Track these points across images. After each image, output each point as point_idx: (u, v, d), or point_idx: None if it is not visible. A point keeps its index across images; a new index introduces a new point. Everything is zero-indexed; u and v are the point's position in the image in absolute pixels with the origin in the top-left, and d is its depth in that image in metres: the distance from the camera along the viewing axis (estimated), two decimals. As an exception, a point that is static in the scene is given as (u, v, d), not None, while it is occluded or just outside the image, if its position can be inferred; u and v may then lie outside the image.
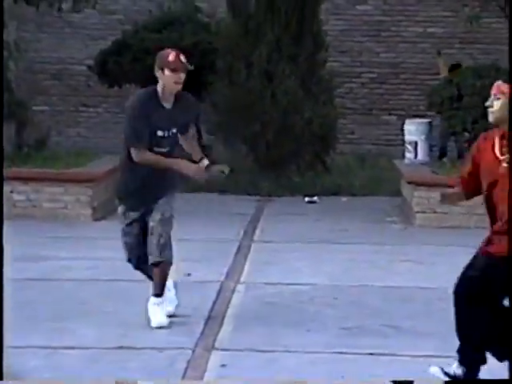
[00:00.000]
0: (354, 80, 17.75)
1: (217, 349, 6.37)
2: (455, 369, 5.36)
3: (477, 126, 13.35)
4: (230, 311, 7.43)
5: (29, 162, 12.64)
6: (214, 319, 7.12)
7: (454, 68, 15.62)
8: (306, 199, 13.59)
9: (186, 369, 5.84)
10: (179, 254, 6.96)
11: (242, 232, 11.04)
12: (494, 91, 5.46)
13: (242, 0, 15.18)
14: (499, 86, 5.45)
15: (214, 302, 7.63)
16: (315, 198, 13.63)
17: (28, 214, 11.60)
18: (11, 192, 11.65)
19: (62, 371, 5.70)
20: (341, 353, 6.24)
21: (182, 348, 6.25)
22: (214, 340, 6.60)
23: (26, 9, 14.23)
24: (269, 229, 11.48)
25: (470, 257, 5.43)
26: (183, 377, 5.72)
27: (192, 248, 9.43)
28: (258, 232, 11.27)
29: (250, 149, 14.72)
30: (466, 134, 13.81)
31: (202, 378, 5.75)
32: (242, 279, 8.59)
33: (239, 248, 10.06)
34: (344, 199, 13.74)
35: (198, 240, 10.10)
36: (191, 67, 6.49)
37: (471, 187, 5.49)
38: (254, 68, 14.81)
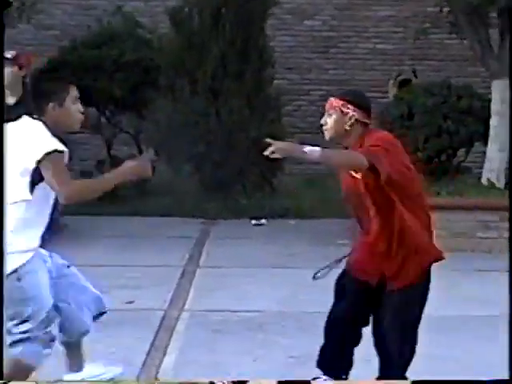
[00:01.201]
0: (302, 97, 17.81)
1: (160, 381, 6.33)
2: None
3: (428, 146, 13.47)
4: (173, 340, 7.41)
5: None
6: (156, 349, 7.10)
7: (404, 84, 15.73)
8: (253, 222, 13.59)
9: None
10: (120, 281, 6.92)
11: (186, 256, 11.00)
12: (326, 108, 5.60)
13: (186, 14, 15.16)
14: (331, 101, 5.59)
15: (157, 331, 7.60)
16: (263, 221, 13.63)
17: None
18: None
19: None
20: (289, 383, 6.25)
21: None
22: (157, 372, 6.57)
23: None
24: (215, 253, 11.46)
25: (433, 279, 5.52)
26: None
27: (134, 274, 9.39)
28: (203, 256, 11.24)
29: (195, 169, 14.67)
30: (418, 154, 13.90)
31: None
32: (186, 306, 8.57)
33: (183, 273, 10.03)
34: (292, 222, 13.75)
35: (139, 265, 10.05)
36: None
37: None
38: (198, 85, 14.78)
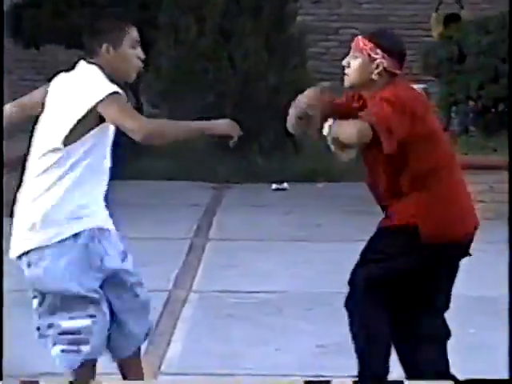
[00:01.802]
0: (330, 37, 17.81)
1: (164, 373, 6.42)
2: None
3: (483, 93, 13.44)
4: (179, 326, 7.48)
5: None
6: (160, 337, 7.17)
7: (451, 20, 15.63)
8: (273, 186, 13.64)
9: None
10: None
11: (194, 227, 11.08)
12: (352, 48, 5.49)
13: None
14: (358, 41, 5.48)
15: (161, 316, 7.68)
16: (284, 185, 13.67)
17: None
18: None
19: None
20: (316, 376, 6.31)
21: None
22: (160, 363, 6.66)
23: None
24: (227, 223, 11.53)
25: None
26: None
27: (135, 249, 9.47)
28: (213, 228, 11.31)
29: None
30: (471, 103, 13.90)
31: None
32: (194, 287, 8.64)
33: (191, 248, 10.09)
34: (320, 185, 13.76)
35: (142, 239, 9.99)
36: None
37: None
38: (206, 24, 14.75)
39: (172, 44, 14.70)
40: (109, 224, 5.39)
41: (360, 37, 5.47)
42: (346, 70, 5.49)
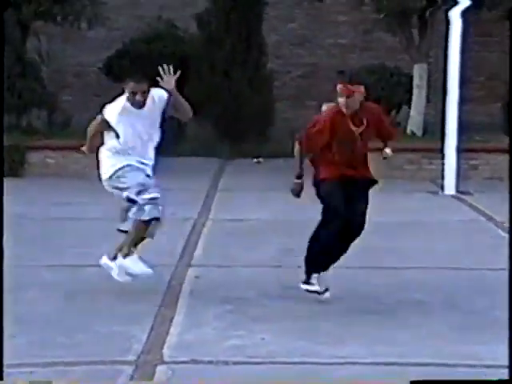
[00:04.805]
0: (285, 76, 17.62)
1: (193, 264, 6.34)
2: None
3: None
4: (201, 239, 7.41)
5: (58, 137, 12.51)
6: (190, 243, 7.10)
7: (340, 73, 15.51)
8: (254, 160, 13.54)
9: (170, 281, 5.72)
10: (165, 200, 6.90)
11: (209, 184, 10.97)
12: (344, 92, 5.04)
13: (206, 19, 15.09)
14: (346, 86, 5.05)
15: (191, 231, 7.61)
16: (260, 159, 13.57)
17: (58, 173, 11.47)
18: (45, 157, 11.61)
19: (85, 284, 5.62)
20: (280, 267, 6.22)
21: (167, 265, 6.14)
22: (192, 255, 6.56)
23: (54, 28, 14.05)
24: (228, 181, 11.42)
25: (373, 198, 5.43)
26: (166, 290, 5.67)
27: (174, 195, 9.37)
28: (220, 183, 11.21)
29: (214, 125, 14.60)
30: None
31: (181, 287, 5.69)
32: (210, 216, 8.58)
33: (207, 195, 10.01)
34: (280, 161, 13.65)
35: (177, 189, 9.84)
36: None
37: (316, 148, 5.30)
38: (216, 69, 14.70)
39: (197, 81, 14.54)
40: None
41: (341, 84, 5.08)
42: (348, 108, 5.08)
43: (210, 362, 4.08)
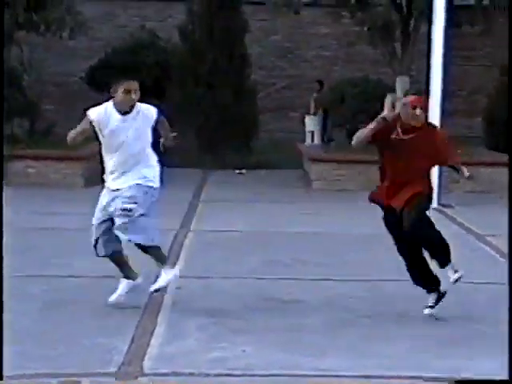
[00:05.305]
0: (269, 88, 17.69)
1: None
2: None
3: (354, 121, 13.43)
4: (183, 250, 7.40)
5: (39, 146, 12.47)
6: (172, 254, 7.07)
7: (319, 82, 15.66)
8: (236, 171, 13.58)
9: (151, 292, 5.70)
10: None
11: (192, 194, 10.98)
12: (417, 104, 5.02)
13: (190, 29, 15.12)
14: (419, 99, 5.08)
15: (173, 243, 7.59)
16: (243, 171, 13.62)
17: (38, 182, 11.44)
18: (26, 166, 11.58)
19: (61, 294, 5.59)
20: (261, 279, 6.22)
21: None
22: (175, 263, 6.53)
23: (36, 37, 14.04)
24: (210, 192, 11.44)
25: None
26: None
27: (162, 203, 9.36)
28: (203, 194, 11.22)
29: (197, 136, 14.62)
30: (346, 126, 13.89)
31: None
32: (191, 228, 8.57)
33: (190, 206, 10.01)
34: (263, 172, 13.74)
35: (159, 200, 9.85)
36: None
37: None
38: (199, 80, 14.72)
39: (179, 91, 14.58)
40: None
41: (414, 96, 5.07)
42: (419, 118, 5.03)
43: (191, 374, 4.07)
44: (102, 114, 5.25)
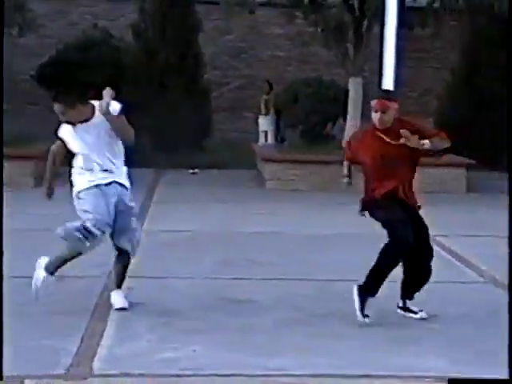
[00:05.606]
0: (222, 87, 17.66)
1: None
2: None
3: (307, 121, 13.51)
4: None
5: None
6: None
7: (269, 83, 15.63)
8: (190, 171, 13.53)
9: (102, 293, 5.67)
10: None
11: (143, 195, 10.89)
12: (379, 108, 5.00)
13: (142, 28, 15.06)
14: (383, 102, 5.04)
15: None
16: (196, 171, 13.58)
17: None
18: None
19: (11, 295, 5.47)
20: (215, 279, 6.21)
21: (99, 276, 6.09)
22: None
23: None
24: (163, 193, 11.37)
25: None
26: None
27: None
28: (155, 195, 11.15)
29: (150, 135, 14.52)
30: (300, 127, 13.95)
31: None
32: (144, 228, 8.46)
33: (142, 206, 9.92)
34: (216, 172, 13.71)
35: None
36: None
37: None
38: (152, 79, 14.65)
39: (132, 90, 14.48)
40: None
41: (377, 100, 5.04)
42: (384, 124, 5.01)
43: (142, 375, 4.04)
44: (68, 128, 5.21)
